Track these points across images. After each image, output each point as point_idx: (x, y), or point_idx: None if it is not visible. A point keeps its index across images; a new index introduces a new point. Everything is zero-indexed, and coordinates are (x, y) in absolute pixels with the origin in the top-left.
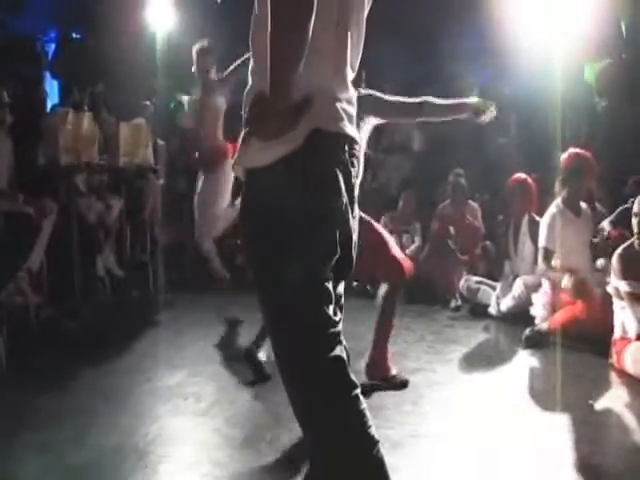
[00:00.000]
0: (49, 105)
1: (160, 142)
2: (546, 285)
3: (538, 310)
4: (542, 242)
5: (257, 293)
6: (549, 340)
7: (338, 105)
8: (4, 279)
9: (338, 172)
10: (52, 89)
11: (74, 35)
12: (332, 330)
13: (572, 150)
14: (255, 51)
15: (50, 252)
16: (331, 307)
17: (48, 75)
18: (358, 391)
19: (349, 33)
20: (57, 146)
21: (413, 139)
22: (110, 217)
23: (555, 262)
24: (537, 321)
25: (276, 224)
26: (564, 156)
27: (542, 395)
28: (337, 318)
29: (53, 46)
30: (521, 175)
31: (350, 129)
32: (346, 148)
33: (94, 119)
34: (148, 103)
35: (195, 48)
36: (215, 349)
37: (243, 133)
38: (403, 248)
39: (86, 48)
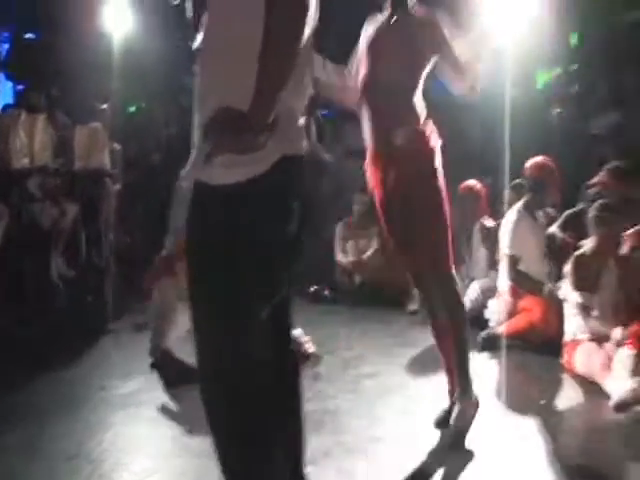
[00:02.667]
0: (1, 105)
1: (116, 146)
2: (505, 291)
3: (493, 314)
4: (507, 250)
5: (191, 307)
6: (504, 342)
7: (299, 123)
8: None
9: (295, 200)
10: (6, 90)
11: (28, 35)
12: (261, 365)
13: (538, 159)
14: (219, 63)
15: (2, 258)
16: (261, 337)
17: (2, 76)
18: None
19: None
20: (8, 149)
21: None
22: (65, 222)
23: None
24: (492, 324)
25: (226, 246)
26: (530, 164)
27: (497, 396)
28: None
29: (6, 46)
30: (471, 182)
31: (305, 145)
32: (301, 166)
33: (50, 122)
34: (105, 106)
35: None
36: None
37: (199, 145)
38: (361, 253)
39: (41, 49)
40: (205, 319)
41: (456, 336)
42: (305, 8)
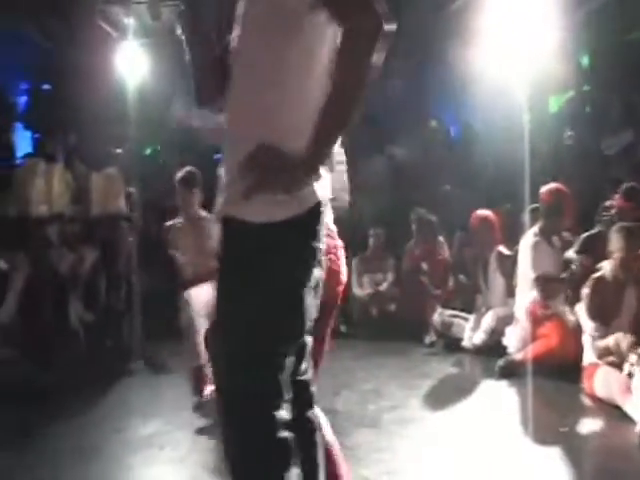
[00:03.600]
0: (21, 155)
1: (132, 190)
2: (522, 318)
3: (511, 341)
4: (534, 272)
5: (215, 344)
6: (522, 369)
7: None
8: None
9: (321, 243)
10: (25, 140)
11: (45, 86)
12: (280, 408)
13: (552, 186)
14: (260, 100)
15: (23, 305)
16: (286, 380)
17: (20, 126)
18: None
19: None
20: (28, 197)
21: (387, 176)
22: (83, 267)
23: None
24: (510, 351)
25: (258, 286)
26: (544, 190)
27: (518, 424)
28: (288, 396)
29: (25, 98)
30: (483, 212)
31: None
32: (326, 209)
33: (67, 169)
34: (120, 151)
35: None
36: (190, 397)
37: (232, 182)
38: (377, 285)
39: (57, 99)
40: (231, 359)
41: None
42: (370, 62)
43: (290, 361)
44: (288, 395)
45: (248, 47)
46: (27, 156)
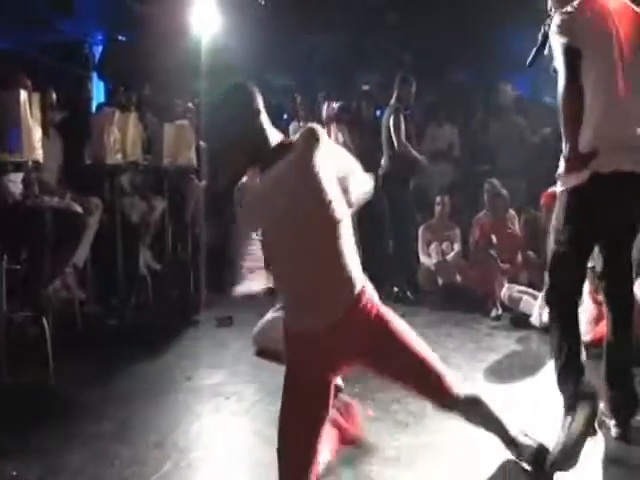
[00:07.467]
0: (95, 105)
1: (202, 144)
2: (587, 301)
3: (580, 324)
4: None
5: None
6: (590, 352)
7: (624, 146)
8: (52, 274)
9: (605, 208)
10: (98, 90)
11: (120, 37)
12: None
13: None
14: None
15: (95, 249)
16: None
17: (95, 76)
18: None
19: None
20: (103, 146)
21: (455, 145)
22: (152, 217)
23: None
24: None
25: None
26: None
27: None
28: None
29: (100, 48)
30: (555, 190)
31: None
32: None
33: (139, 120)
34: (191, 105)
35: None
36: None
37: None
38: (443, 255)
39: (132, 50)
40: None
41: None
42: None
43: None
44: None
45: None
46: (100, 106)
